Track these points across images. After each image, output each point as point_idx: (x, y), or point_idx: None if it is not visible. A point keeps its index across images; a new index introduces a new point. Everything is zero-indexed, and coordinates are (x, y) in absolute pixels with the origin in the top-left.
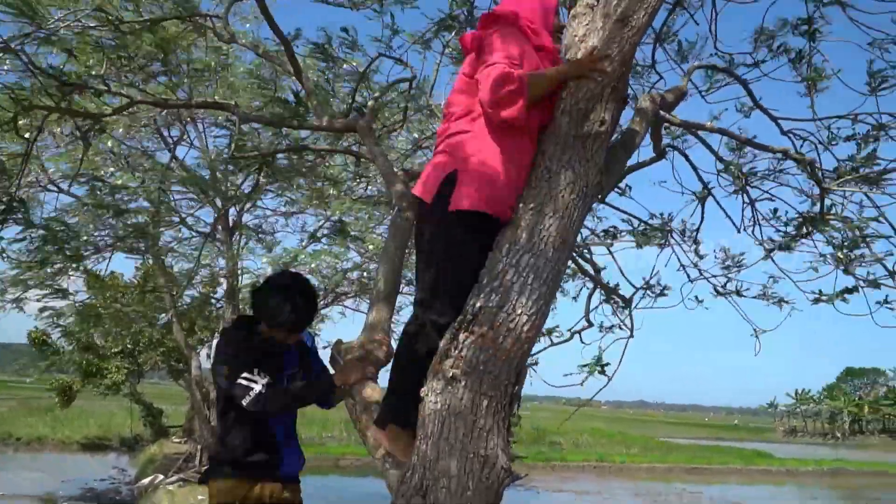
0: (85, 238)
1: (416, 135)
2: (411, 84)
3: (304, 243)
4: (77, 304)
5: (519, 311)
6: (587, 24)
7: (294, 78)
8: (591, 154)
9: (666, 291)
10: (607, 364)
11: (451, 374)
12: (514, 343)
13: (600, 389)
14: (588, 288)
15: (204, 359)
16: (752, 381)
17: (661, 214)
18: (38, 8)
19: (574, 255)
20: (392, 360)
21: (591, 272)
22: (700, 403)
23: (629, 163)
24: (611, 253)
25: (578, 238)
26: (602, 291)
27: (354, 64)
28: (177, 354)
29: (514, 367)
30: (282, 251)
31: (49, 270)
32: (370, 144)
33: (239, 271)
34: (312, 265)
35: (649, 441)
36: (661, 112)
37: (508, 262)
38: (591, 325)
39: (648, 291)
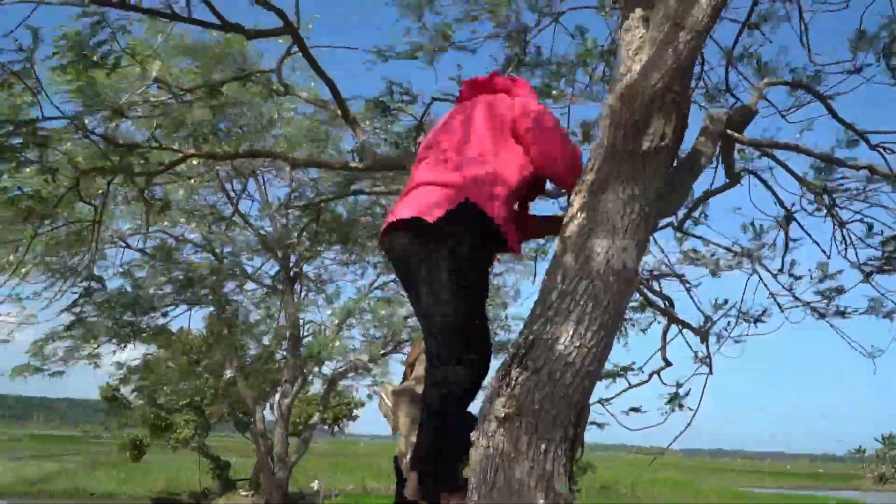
0: (157, 297)
1: None
2: None
3: (363, 291)
4: (147, 358)
5: (578, 343)
6: (641, 37)
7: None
8: (651, 171)
9: (764, 318)
10: (688, 393)
11: (503, 415)
12: (574, 378)
13: (680, 433)
14: (660, 322)
15: (268, 411)
16: (836, 425)
17: (752, 225)
18: (101, 91)
19: (641, 286)
20: (421, 418)
21: (662, 305)
22: (781, 450)
23: (705, 189)
24: (685, 284)
25: (646, 269)
26: (678, 326)
27: (411, 115)
28: (243, 406)
29: (573, 405)
30: (344, 302)
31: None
32: None
33: (301, 322)
34: (371, 313)
35: (725, 492)
36: (728, 131)
37: (564, 289)
38: (668, 364)
39: (742, 318)
